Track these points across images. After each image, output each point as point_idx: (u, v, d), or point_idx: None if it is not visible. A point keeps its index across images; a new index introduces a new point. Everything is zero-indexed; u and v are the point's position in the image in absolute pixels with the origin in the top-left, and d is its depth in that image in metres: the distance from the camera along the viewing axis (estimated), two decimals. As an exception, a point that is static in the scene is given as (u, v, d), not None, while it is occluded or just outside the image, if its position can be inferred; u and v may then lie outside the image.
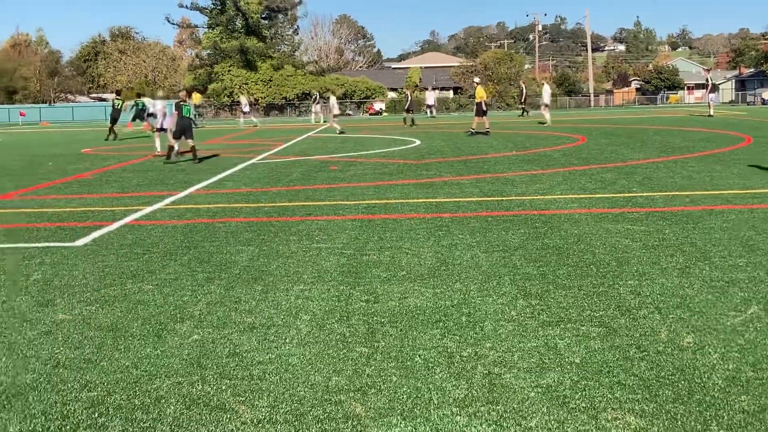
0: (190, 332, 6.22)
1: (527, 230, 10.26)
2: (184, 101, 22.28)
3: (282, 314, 6.66)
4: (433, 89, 65.65)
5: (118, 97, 38.57)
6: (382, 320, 6.43)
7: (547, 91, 43.47)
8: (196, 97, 22.14)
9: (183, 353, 5.75)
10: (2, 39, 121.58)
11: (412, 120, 43.31)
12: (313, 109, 55.09)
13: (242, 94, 64.66)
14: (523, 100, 50.50)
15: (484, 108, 32.33)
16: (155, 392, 5.04)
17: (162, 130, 25.38)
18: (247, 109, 52.86)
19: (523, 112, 50.66)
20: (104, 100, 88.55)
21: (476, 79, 38.79)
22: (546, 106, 42.92)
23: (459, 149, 24.66)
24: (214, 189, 15.85)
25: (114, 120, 36.92)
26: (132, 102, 37.15)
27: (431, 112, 56.03)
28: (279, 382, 5.15)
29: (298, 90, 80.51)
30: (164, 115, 25.94)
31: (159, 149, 25.56)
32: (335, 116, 38.36)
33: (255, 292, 7.41)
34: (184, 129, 22.02)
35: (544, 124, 39.37)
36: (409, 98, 45.84)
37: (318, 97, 56.03)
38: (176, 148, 22.30)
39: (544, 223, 10.80)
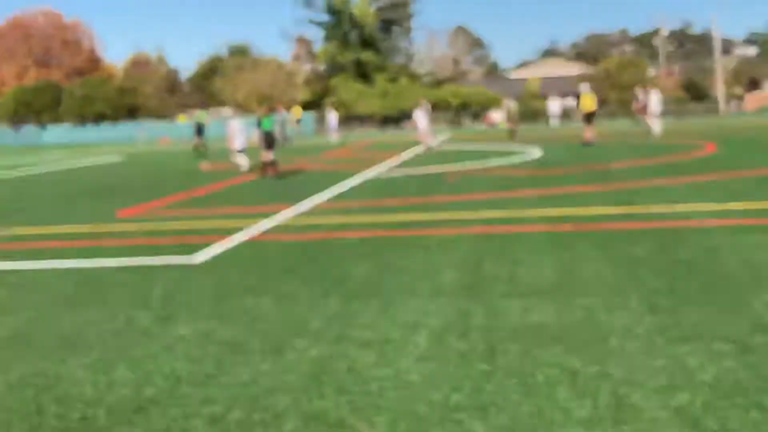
0: (308, 347, 6.19)
1: (655, 243, 9.88)
2: (268, 114, 22.24)
3: (400, 329, 6.57)
4: (556, 97, 64.42)
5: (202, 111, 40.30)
6: (503, 336, 6.26)
7: (655, 98, 38.63)
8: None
9: (301, 368, 5.72)
10: (124, 57, 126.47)
11: (512, 132, 41.39)
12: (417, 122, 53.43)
13: (332, 109, 64.40)
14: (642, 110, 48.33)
15: (590, 117, 31.72)
16: (274, 408, 5.02)
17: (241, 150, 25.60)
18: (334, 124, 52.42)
19: (642, 122, 48.70)
20: (227, 115, 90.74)
21: (583, 87, 35.64)
22: (653, 114, 38.12)
23: (582, 159, 24.17)
24: (331, 203, 15.92)
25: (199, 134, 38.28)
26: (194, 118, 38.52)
27: (554, 120, 54.62)
28: (397, 399, 5.06)
29: (414, 102, 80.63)
30: (240, 133, 25.71)
31: (247, 167, 25.45)
32: (424, 131, 36.61)
33: (372, 307, 7.34)
34: (269, 141, 21.95)
35: (653, 134, 35.77)
36: (509, 110, 44.41)
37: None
38: (273, 159, 22.07)
39: (672, 235, 10.40)
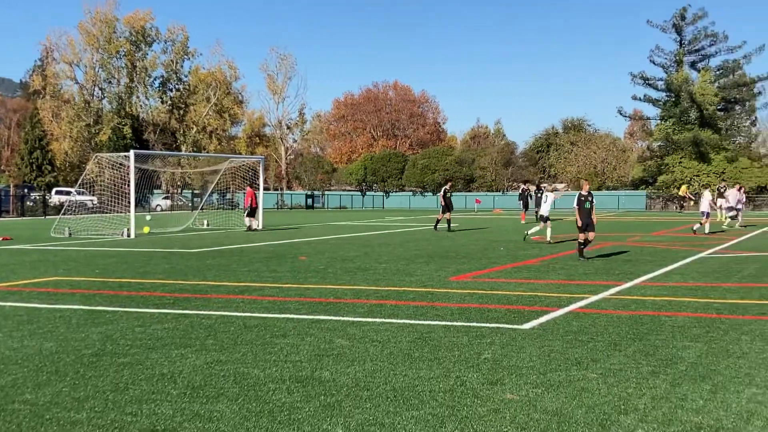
0: (635, 426, 6.14)
1: None
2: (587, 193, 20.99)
3: (732, 417, 6.34)
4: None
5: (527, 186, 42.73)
6: None
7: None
8: (585, 186, 21.20)
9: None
10: (464, 131, 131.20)
11: None
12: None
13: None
14: None
15: None
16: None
17: (544, 219, 26.90)
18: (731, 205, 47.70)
19: None
20: (557, 189, 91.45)
21: None
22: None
23: None
24: (661, 281, 15.54)
25: (525, 206, 42.91)
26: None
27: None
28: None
29: (754, 183, 76.62)
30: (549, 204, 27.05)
31: (548, 238, 26.59)
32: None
33: (703, 390, 7.13)
34: (585, 222, 20.63)
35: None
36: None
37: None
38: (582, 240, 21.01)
39: None
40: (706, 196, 32.61)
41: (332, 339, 9.62)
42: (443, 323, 10.74)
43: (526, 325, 10.51)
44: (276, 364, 8.29)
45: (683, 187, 61.97)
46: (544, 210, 26.81)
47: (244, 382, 7.51)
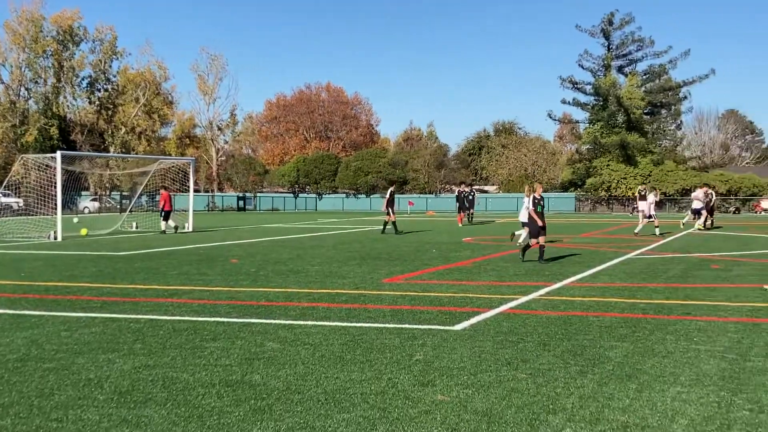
0: (563, 425, 6.22)
1: None
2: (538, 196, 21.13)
3: (657, 415, 6.46)
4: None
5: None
6: (767, 432, 6.01)
7: None
8: (538, 189, 21.04)
9: (554, 444, 5.76)
10: (397, 133, 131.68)
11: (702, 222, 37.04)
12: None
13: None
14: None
15: None
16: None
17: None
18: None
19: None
20: (485, 191, 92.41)
21: None
22: None
23: None
24: (589, 282, 15.80)
25: (461, 209, 43.16)
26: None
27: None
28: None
29: (678, 186, 78.41)
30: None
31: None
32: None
33: (629, 390, 7.26)
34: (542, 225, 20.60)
35: None
36: (712, 199, 39.04)
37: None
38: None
39: None
40: (649, 198, 33.11)
41: (263, 342, 9.57)
42: (375, 325, 10.75)
43: (458, 327, 10.58)
44: (205, 368, 8.21)
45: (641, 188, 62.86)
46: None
47: (172, 387, 7.42)
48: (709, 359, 8.51)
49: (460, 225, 41.42)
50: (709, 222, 36.26)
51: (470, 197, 43.91)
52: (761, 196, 77.66)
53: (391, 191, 35.08)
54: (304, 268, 18.62)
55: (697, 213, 37.33)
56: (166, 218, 36.34)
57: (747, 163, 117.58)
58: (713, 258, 21.16)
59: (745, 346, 9.20)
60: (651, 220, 32.59)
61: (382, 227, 35.10)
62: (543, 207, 20.67)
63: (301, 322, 11.00)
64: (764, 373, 7.87)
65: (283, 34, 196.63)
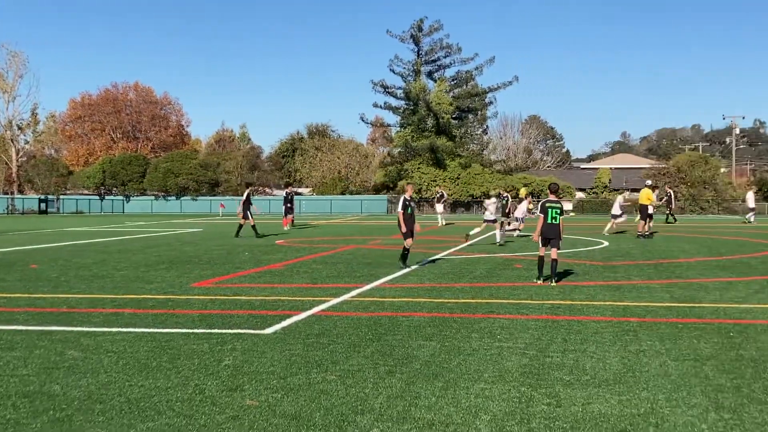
0: (370, 425, 6.27)
1: (721, 339, 9.81)
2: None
3: (462, 412, 6.63)
4: (624, 191, 64.20)
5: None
6: (564, 425, 6.28)
7: (750, 197, 48.97)
8: (409, 190, 20.29)
9: (362, 445, 5.79)
10: (209, 134, 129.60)
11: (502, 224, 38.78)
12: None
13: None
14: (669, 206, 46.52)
15: (649, 211, 31.84)
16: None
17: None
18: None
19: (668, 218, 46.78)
20: (299, 194, 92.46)
21: (647, 182, 38.48)
22: (752, 210, 48.68)
23: (648, 252, 23.99)
24: (399, 283, 16.07)
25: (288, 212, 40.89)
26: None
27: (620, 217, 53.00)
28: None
29: (485, 188, 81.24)
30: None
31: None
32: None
33: (435, 388, 7.41)
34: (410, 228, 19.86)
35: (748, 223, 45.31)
36: (508, 201, 40.40)
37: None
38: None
39: (739, 332, 10.30)
40: (523, 206, 33.83)
41: (64, 351, 9.15)
42: (183, 331, 10.51)
43: (269, 330, 10.49)
44: (1, 378, 7.77)
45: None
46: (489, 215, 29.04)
47: (-38, 401, 6.97)
48: (511, 356, 8.82)
49: (286, 229, 40.52)
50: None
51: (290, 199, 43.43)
52: (561, 198, 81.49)
53: (248, 193, 34.31)
54: (110, 273, 18.00)
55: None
56: None
57: (549, 167, 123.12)
58: (516, 258, 21.99)
59: (545, 342, 9.60)
60: (518, 223, 33.59)
61: (236, 230, 33.79)
62: (413, 209, 19.88)
63: (105, 329, 10.62)
64: (561, 368, 8.22)
65: (90, 33, 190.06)
